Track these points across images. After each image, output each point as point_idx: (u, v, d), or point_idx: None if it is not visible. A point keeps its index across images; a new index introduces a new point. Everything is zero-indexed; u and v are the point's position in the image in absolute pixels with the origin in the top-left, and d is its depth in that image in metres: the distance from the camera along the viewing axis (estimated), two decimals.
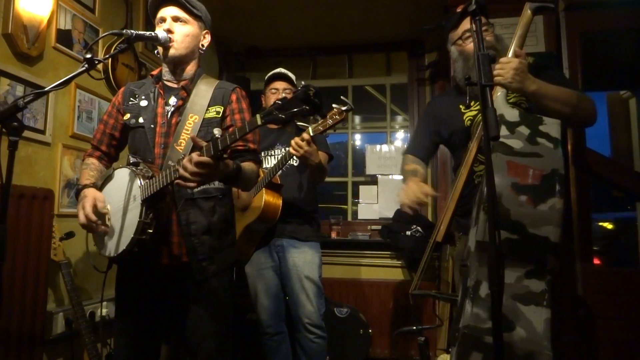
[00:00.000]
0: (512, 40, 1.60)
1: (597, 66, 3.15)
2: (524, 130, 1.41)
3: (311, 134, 2.04)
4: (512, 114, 1.47)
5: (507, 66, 1.49)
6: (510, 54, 1.58)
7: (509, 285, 1.30)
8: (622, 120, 4.21)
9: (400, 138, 4.32)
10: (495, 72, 1.48)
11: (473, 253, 1.38)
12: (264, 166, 2.44)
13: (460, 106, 1.81)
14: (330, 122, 1.99)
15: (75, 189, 1.66)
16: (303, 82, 1.26)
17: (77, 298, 2.14)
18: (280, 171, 2.29)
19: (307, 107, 1.21)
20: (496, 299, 0.97)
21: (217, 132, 1.29)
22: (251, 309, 3.02)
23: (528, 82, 1.50)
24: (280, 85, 2.47)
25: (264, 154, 2.49)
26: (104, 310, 2.45)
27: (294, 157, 2.28)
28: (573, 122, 1.76)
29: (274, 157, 2.48)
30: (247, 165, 1.57)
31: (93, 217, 1.49)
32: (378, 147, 4.08)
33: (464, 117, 1.80)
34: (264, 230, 2.39)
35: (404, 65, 4.15)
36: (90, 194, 1.55)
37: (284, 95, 2.42)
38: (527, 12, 1.59)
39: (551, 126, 1.41)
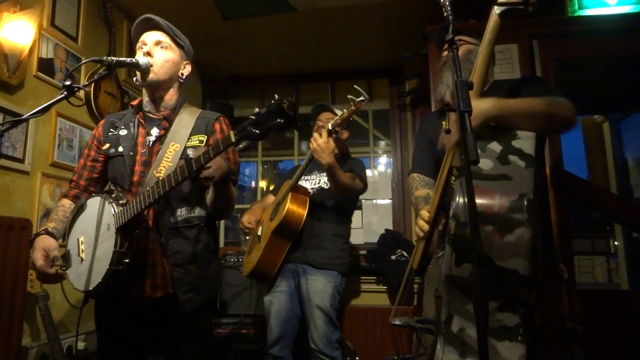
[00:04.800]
0: (480, 46, 1.47)
1: (570, 92, 3.24)
2: (495, 147, 1.31)
3: (330, 128, 2.11)
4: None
5: (449, 137, 1.39)
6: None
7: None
8: (597, 143, 4.34)
9: (383, 163, 4.36)
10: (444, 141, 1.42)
11: (444, 285, 1.30)
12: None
13: (443, 123, 1.77)
14: (346, 113, 2.06)
15: (32, 236, 1.57)
16: (277, 96, 1.22)
17: (54, 332, 2.06)
18: (312, 192, 2.43)
19: (282, 120, 1.19)
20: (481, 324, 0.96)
21: (191, 152, 1.29)
22: (235, 339, 2.97)
23: (484, 121, 1.36)
24: (324, 116, 2.58)
25: (303, 179, 2.55)
26: (81, 344, 2.37)
27: (326, 180, 2.42)
28: (552, 130, 1.60)
29: (309, 182, 2.53)
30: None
31: (50, 271, 1.43)
32: None
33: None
34: (289, 236, 2.36)
35: (386, 91, 4.24)
36: (38, 245, 1.46)
37: (324, 124, 2.50)
38: (493, 16, 1.44)
39: (525, 141, 1.30)
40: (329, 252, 2.40)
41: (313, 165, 2.53)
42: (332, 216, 2.44)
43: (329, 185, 2.43)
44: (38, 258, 1.42)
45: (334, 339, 2.34)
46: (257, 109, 1.23)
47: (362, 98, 2.04)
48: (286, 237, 2.36)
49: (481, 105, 1.36)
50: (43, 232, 1.51)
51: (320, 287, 2.33)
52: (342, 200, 2.46)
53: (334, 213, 2.46)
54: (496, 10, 1.44)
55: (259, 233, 2.51)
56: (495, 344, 1.19)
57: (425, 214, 1.55)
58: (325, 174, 2.46)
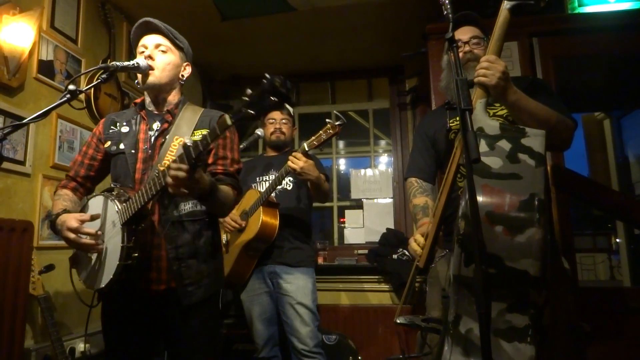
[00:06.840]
0: (489, 42, 1.48)
1: (571, 89, 3.25)
2: (504, 145, 1.27)
3: (307, 149, 2.13)
4: (492, 127, 1.33)
5: (493, 67, 1.38)
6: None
7: (490, 320, 1.18)
8: (598, 140, 4.33)
9: (384, 162, 4.36)
10: (479, 71, 1.41)
11: (452, 285, 1.28)
12: (259, 189, 2.47)
13: (448, 120, 1.71)
14: (324, 136, 2.07)
15: (48, 220, 1.55)
16: (267, 75, 1.21)
17: (57, 334, 2.06)
18: (274, 194, 2.37)
19: (276, 99, 1.20)
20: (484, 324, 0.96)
21: (188, 141, 1.28)
22: (237, 339, 2.97)
23: (510, 90, 1.41)
24: (277, 115, 2.58)
25: (259, 179, 2.54)
26: (86, 345, 2.36)
27: (288, 181, 2.42)
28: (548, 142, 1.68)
29: (269, 182, 2.49)
30: (224, 188, 1.53)
31: (91, 232, 1.42)
32: (362, 171, 4.10)
33: (450, 131, 1.73)
34: (261, 249, 2.38)
35: (385, 90, 4.24)
36: (69, 216, 1.45)
37: (280, 125, 2.58)
38: (503, 11, 1.44)
39: (535, 139, 1.27)
40: (303, 250, 2.44)
41: (270, 165, 2.54)
42: (298, 215, 2.47)
43: (291, 186, 2.49)
44: (74, 222, 1.42)
45: (319, 336, 2.37)
46: (249, 90, 1.22)
47: (339, 122, 2.08)
48: (258, 249, 2.38)
49: (510, 82, 1.41)
50: (61, 212, 1.50)
51: (301, 284, 2.36)
52: (304, 200, 2.50)
53: (299, 212, 2.49)
54: (506, 5, 1.44)
55: (224, 242, 2.50)
56: (504, 345, 1.18)
57: (420, 238, 1.53)
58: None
